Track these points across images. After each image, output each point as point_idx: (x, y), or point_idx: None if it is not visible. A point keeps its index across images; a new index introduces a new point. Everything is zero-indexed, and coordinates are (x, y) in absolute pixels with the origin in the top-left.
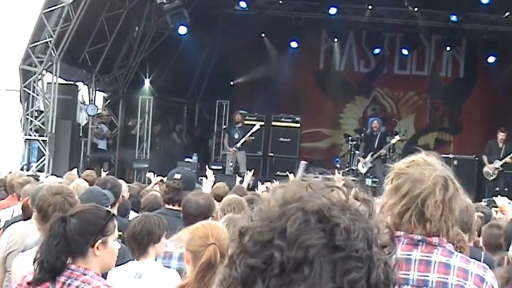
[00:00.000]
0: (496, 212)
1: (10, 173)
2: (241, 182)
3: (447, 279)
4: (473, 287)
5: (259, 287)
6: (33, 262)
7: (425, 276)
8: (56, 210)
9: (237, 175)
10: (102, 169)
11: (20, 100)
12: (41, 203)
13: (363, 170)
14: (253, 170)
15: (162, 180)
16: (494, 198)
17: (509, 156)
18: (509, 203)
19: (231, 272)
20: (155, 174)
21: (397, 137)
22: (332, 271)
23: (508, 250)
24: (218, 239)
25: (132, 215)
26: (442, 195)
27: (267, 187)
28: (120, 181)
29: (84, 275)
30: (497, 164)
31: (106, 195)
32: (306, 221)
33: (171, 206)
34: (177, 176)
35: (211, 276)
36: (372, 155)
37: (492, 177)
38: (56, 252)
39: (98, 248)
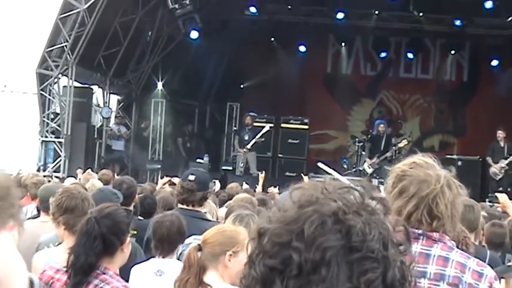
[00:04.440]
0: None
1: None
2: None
3: (445, 271)
4: (470, 279)
5: (278, 287)
6: (68, 263)
7: (424, 268)
8: (89, 204)
9: (244, 183)
10: (114, 170)
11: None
12: (74, 201)
13: (369, 171)
14: (263, 172)
15: (170, 180)
16: (496, 194)
17: None
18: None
19: (250, 271)
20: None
21: (405, 141)
22: (349, 272)
23: None
24: (205, 240)
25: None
26: (450, 195)
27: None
28: None
29: (104, 274)
30: (503, 163)
31: (117, 194)
32: (322, 223)
33: (184, 206)
34: (191, 177)
35: (187, 272)
36: (378, 157)
37: (499, 176)
38: (94, 253)
39: (125, 246)
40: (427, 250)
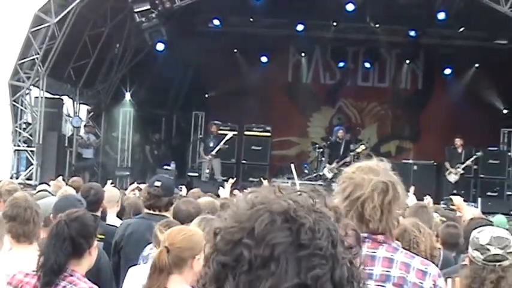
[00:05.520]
0: (454, 210)
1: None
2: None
3: (390, 272)
4: (415, 279)
5: (230, 283)
6: (38, 264)
7: (370, 269)
8: (33, 213)
9: (220, 187)
10: (85, 177)
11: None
12: (16, 210)
13: (329, 176)
14: (235, 179)
15: (138, 187)
16: (451, 197)
17: (470, 160)
18: (465, 203)
19: (206, 270)
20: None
21: (363, 146)
22: (297, 267)
23: (466, 249)
24: (172, 243)
25: (111, 219)
26: (381, 199)
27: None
28: (115, 190)
29: (71, 276)
30: (460, 167)
31: (81, 200)
32: (272, 221)
33: (151, 211)
34: (157, 183)
35: (157, 278)
36: (337, 162)
37: (455, 179)
38: (64, 254)
39: (92, 249)
40: (373, 252)
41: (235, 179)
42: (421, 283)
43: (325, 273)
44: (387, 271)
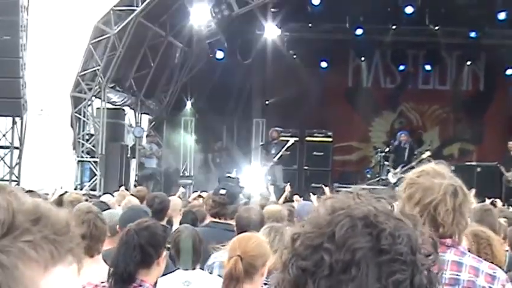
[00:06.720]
0: None
1: (66, 192)
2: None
3: (459, 275)
4: (484, 283)
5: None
6: (109, 273)
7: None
8: (90, 226)
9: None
10: (148, 187)
11: (71, 125)
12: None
13: (393, 180)
14: (288, 183)
15: (200, 195)
16: None
17: None
18: None
19: (284, 275)
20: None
21: (428, 152)
22: (378, 272)
23: None
24: (245, 251)
25: (174, 228)
26: (453, 203)
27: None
28: (177, 198)
29: (141, 286)
30: None
31: (146, 211)
32: (353, 226)
33: (217, 219)
34: (222, 191)
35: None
36: (402, 167)
37: (511, 185)
38: (133, 262)
39: (161, 259)
40: (441, 256)
41: (289, 186)
42: (490, 287)
43: (405, 279)
44: (456, 275)
